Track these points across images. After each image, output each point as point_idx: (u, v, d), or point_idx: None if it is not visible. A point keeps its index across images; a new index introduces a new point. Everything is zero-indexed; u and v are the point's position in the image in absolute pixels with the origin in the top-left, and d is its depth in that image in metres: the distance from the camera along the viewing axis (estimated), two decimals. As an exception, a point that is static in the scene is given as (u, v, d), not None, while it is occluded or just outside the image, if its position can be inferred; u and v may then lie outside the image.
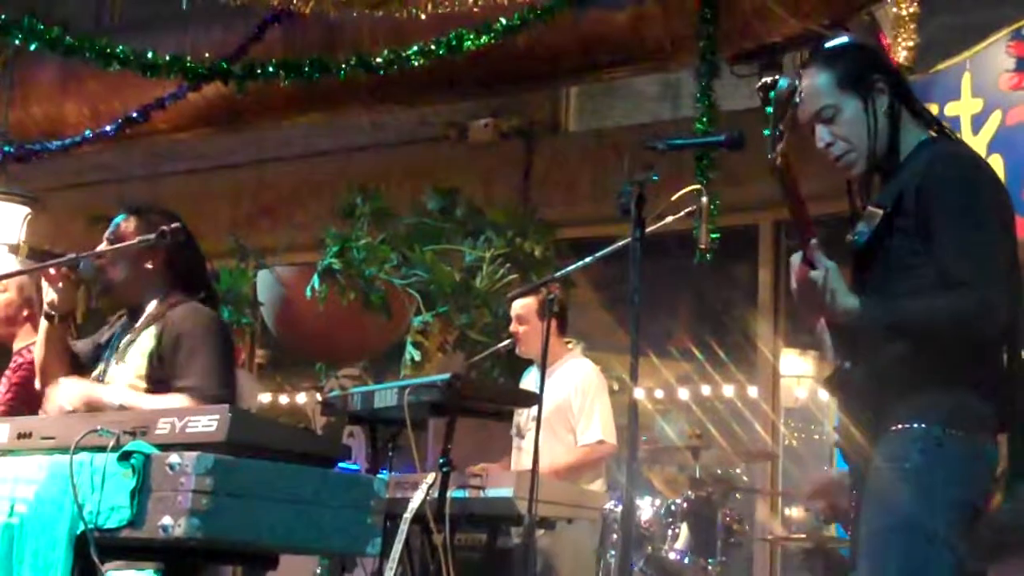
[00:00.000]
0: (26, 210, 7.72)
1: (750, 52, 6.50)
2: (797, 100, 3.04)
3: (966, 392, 2.97)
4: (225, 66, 7.08)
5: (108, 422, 2.92)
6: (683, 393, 9.22)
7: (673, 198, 4.05)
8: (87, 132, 7.88)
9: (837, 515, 4.03)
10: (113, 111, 7.84)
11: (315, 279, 7.02)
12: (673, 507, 6.11)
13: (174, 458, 2.68)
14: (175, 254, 3.97)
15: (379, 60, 6.74)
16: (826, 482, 4.24)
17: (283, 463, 2.86)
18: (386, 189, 7.70)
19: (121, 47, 7.11)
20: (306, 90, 7.12)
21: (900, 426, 2.98)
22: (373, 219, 7.19)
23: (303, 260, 7.89)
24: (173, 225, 3.87)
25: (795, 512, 8.23)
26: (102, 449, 2.81)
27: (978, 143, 5.50)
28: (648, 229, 3.25)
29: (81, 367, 4.09)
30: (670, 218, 4.10)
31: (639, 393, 3.34)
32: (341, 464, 3.20)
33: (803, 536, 6.34)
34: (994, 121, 5.66)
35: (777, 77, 6.28)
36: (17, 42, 7.32)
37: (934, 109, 5.31)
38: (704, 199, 4.25)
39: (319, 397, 7.92)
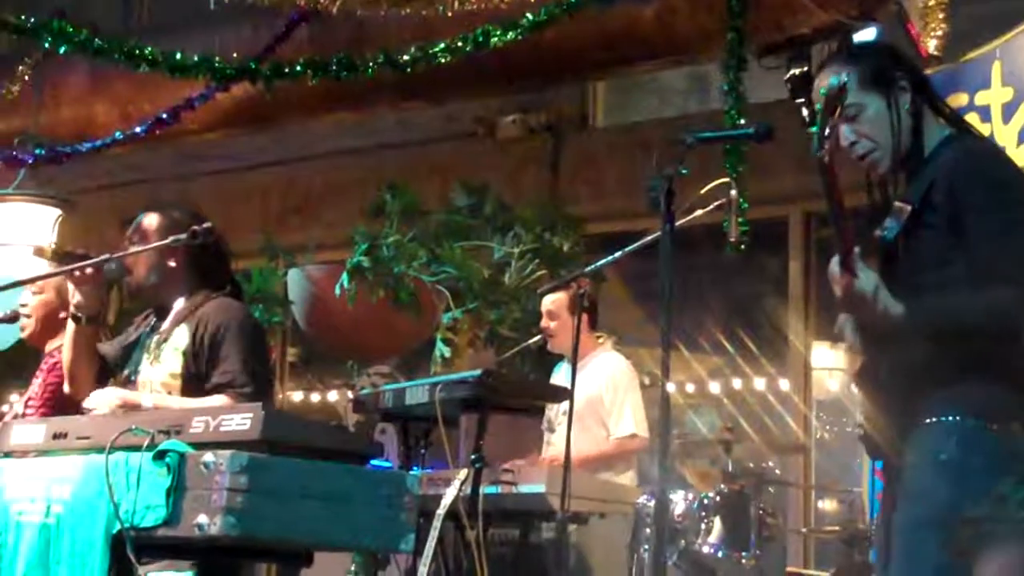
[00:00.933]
0: (58, 212, 7.76)
1: (778, 44, 6.46)
2: (846, 98, 3.03)
3: (1000, 384, 2.95)
4: (253, 66, 7.10)
5: (143, 421, 2.94)
6: (714, 387, 9.20)
7: (702, 191, 4.04)
8: (117, 133, 7.91)
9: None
10: (142, 112, 7.87)
11: (344, 277, 7.04)
12: (706, 501, 6.09)
13: (209, 456, 2.69)
14: (198, 251, 3.97)
15: (406, 58, 6.74)
16: None
17: (317, 460, 2.87)
18: (414, 186, 7.70)
19: (150, 48, 7.15)
20: (334, 89, 7.13)
21: (933, 419, 2.97)
22: (402, 216, 7.20)
23: (333, 259, 7.92)
24: (204, 225, 3.88)
25: (828, 505, 8.20)
26: (137, 448, 2.83)
27: (1009, 132, 5.45)
28: (678, 222, 3.24)
29: (109, 370, 4.10)
30: (700, 211, 4.08)
31: (670, 387, 3.33)
32: (373, 461, 3.21)
33: (837, 528, 6.31)
34: (1025, 110, 5.61)
35: (805, 68, 6.30)
36: (47, 45, 7.38)
37: (964, 99, 5.27)
38: (734, 192, 4.24)
39: (350, 395, 7.95)
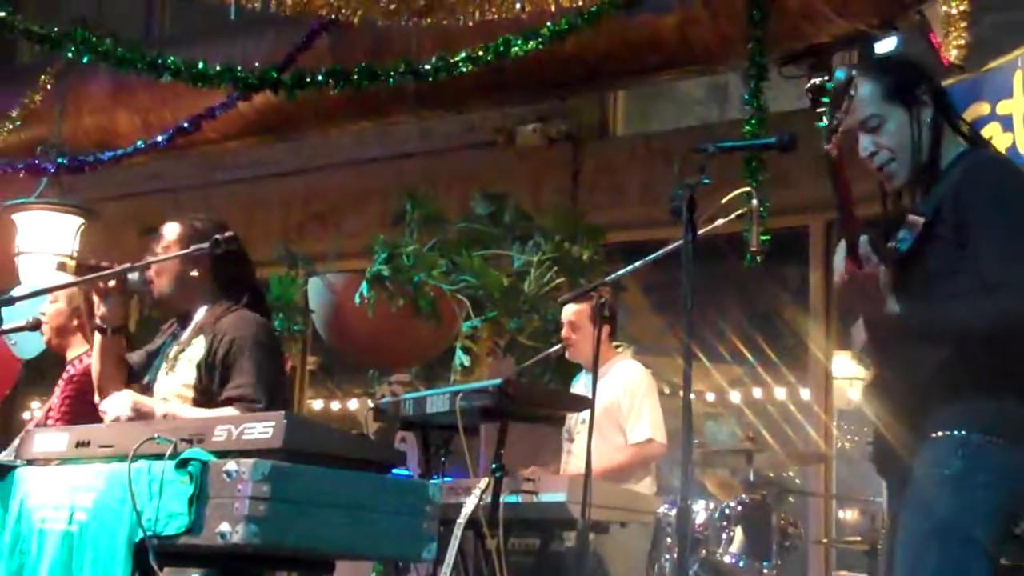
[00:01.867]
0: (80, 221, 7.80)
1: (798, 53, 6.45)
2: (853, 92, 3.04)
3: (1007, 399, 2.97)
4: (275, 75, 7.13)
5: (165, 430, 2.95)
6: (735, 396, 9.18)
7: (723, 201, 4.03)
8: (139, 143, 7.95)
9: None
10: (164, 121, 7.91)
11: (364, 286, 7.05)
12: (727, 510, 6.08)
13: (231, 465, 2.70)
14: (220, 261, 3.97)
15: (427, 67, 6.76)
16: None
17: (338, 469, 2.88)
18: (435, 195, 7.71)
19: (171, 58, 7.19)
20: (355, 98, 7.15)
21: (941, 433, 2.99)
22: (422, 225, 7.21)
23: (353, 267, 7.92)
24: (227, 234, 3.89)
25: (849, 515, 8.17)
26: (160, 457, 2.84)
27: (1030, 141, 5.43)
28: (699, 232, 3.23)
29: (137, 378, 4.11)
30: (720, 221, 4.08)
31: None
32: (395, 470, 3.21)
33: (858, 539, 6.29)
34: (1047, 119, 5.59)
35: (826, 77, 6.29)
36: (69, 55, 7.41)
37: (986, 108, 5.25)
38: (754, 201, 4.24)
39: (371, 403, 7.95)
